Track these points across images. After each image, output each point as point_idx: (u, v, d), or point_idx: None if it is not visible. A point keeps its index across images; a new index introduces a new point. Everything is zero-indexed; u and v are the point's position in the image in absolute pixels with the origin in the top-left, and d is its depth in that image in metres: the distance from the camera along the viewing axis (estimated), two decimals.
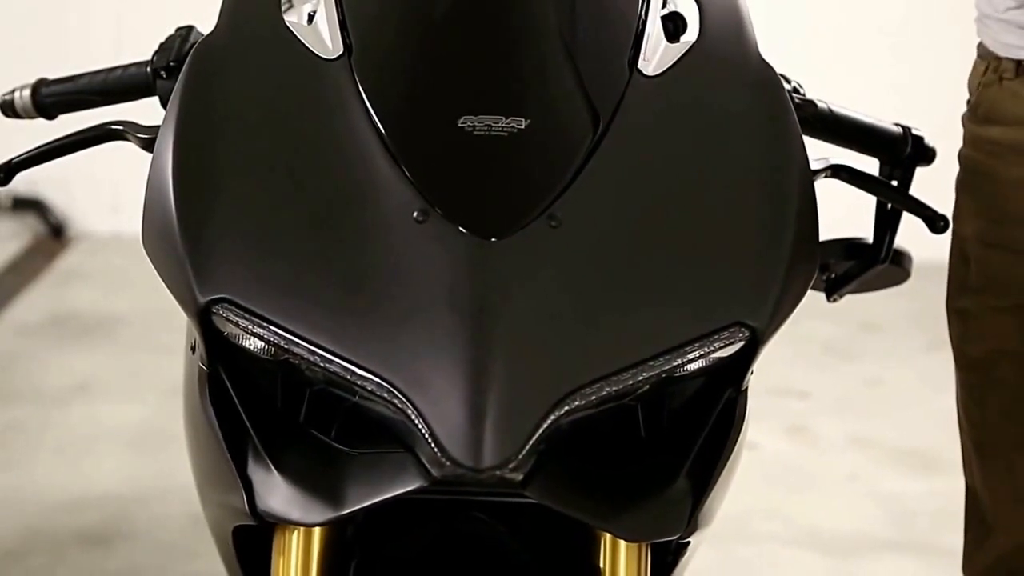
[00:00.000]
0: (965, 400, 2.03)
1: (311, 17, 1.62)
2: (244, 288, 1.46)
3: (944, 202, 1.87)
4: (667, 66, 1.61)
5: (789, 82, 1.77)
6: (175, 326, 1.95)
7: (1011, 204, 1.92)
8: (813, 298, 1.66)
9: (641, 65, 1.60)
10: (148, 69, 1.77)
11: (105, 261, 4.66)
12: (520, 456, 1.40)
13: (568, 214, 1.49)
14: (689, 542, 1.57)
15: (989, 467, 2.00)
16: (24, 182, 2.02)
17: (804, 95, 1.80)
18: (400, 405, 1.42)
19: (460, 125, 1.51)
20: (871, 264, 1.86)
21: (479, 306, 1.44)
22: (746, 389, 1.54)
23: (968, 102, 2.00)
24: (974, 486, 2.03)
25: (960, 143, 1.99)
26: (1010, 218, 1.92)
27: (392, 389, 1.42)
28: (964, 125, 2.00)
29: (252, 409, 1.51)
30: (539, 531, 1.62)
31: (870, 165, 1.84)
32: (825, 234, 1.66)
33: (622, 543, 1.55)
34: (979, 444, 2.00)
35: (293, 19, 1.61)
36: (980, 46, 2.00)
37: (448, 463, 1.40)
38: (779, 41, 2.16)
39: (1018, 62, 1.92)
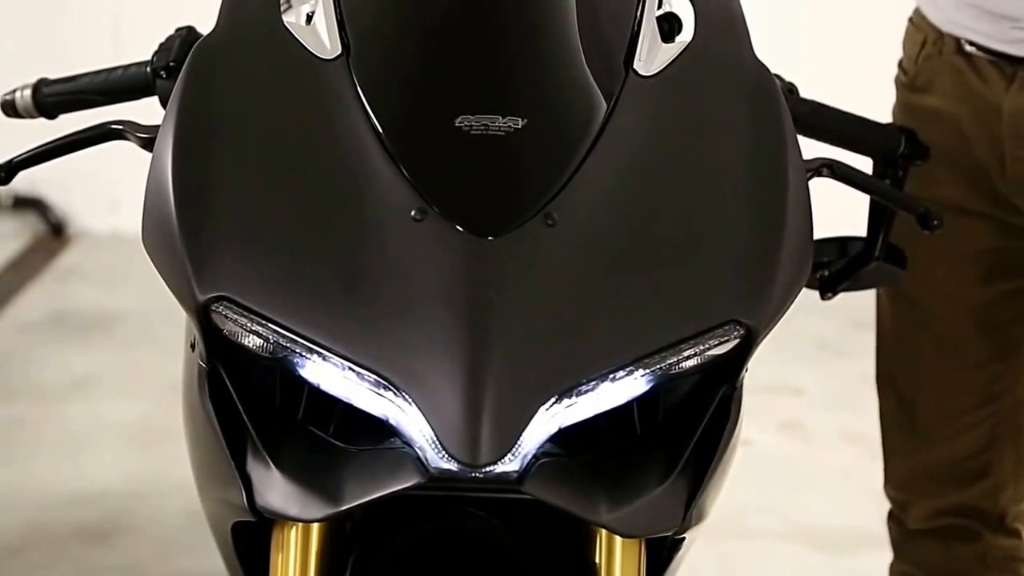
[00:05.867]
0: (899, 332, 2.15)
1: (309, 17, 1.62)
2: (243, 286, 1.47)
3: None
4: (662, 66, 1.61)
5: (783, 82, 1.78)
6: (174, 323, 1.95)
7: (937, 166, 1.96)
8: (806, 295, 1.67)
9: (637, 65, 1.61)
10: (148, 69, 1.77)
11: (105, 259, 4.66)
12: (516, 453, 1.42)
13: (564, 213, 1.50)
14: (684, 538, 1.58)
15: (924, 389, 2.14)
16: (24, 181, 2.03)
17: (798, 95, 1.82)
18: (398, 402, 1.43)
19: (457, 125, 1.52)
20: (865, 262, 1.86)
21: (476, 304, 1.45)
22: (741, 386, 1.55)
23: (901, 68, 2.08)
24: (906, 404, 2.17)
25: None
26: (936, 178, 1.98)
27: (390, 386, 1.43)
28: (898, 91, 2.08)
29: (251, 406, 1.52)
30: (535, 527, 1.63)
31: (865, 164, 1.85)
32: (820, 232, 1.67)
33: (618, 539, 1.56)
34: (913, 370, 2.15)
35: (292, 19, 1.62)
36: (917, 13, 2.07)
37: (445, 460, 1.42)
38: (773, 41, 2.17)
39: (958, 39, 1.97)
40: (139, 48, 1.91)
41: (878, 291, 2.15)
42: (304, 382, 1.49)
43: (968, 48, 1.97)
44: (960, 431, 2.13)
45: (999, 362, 2.11)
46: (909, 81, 2.06)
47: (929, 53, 2.03)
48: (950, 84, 2.00)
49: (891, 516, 2.26)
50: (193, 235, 1.49)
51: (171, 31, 1.79)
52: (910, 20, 2.09)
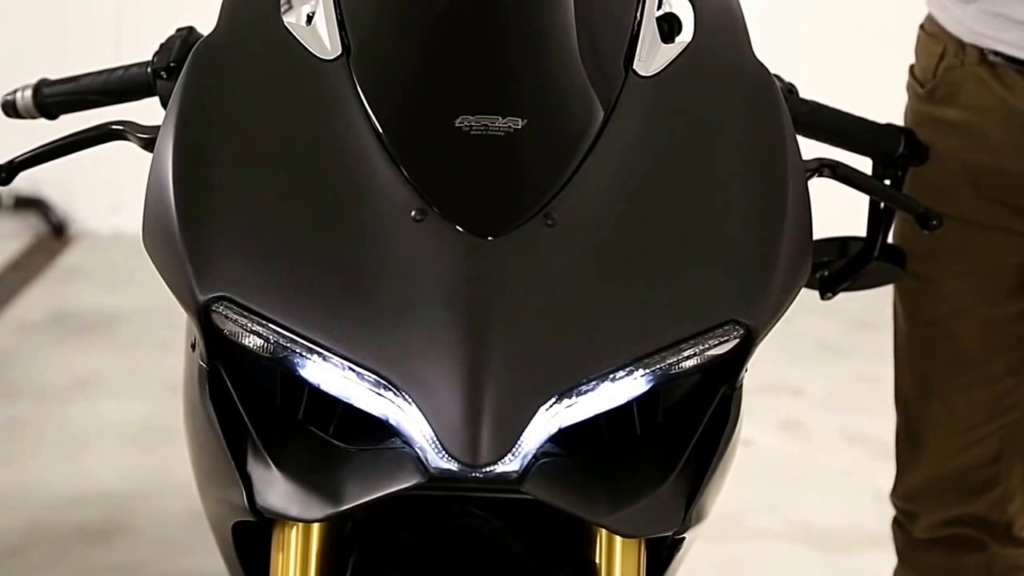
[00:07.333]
0: (913, 349, 2.14)
1: (310, 18, 1.62)
2: (243, 286, 1.47)
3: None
4: (662, 67, 1.62)
5: (783, 82, 1.78)
6: (175, 324, 1.96)
7: (958, 180, 1.96)
8: (806, 295, 1.67)
9: (636, 66, 1.61)
10: (149, 69, 1.77)
11: (106, 259, 4.67)
12: (516, 453, 1.42)
13: (564, 213, 1.50)
14: (684, 537, 1.58)
15: (934, 406, 2.14)
16: (26, 181, 2.04)
17: (798, 95, 1.82)
18: (398, 402, 1.44)
19: (457, 125, 1.52)
20: (864, 262, 1.87)
21: (476, 304, 1.45)
22: (741, 386, 1.55)
23: (916, 78, 2.05)
24: (916, 420, 2.18)
25: None
26: (956, 193, 1.97)
27: (390, 386, 1.44)
28: (913, 101, 2.05)
29: (251, 406, 1.52)
30: (536, 527, 1.63)
31: (865, 164, 1.85)
32: (820, 232, 1.67)
33: (618, 539, 1.56)
34: (924, 387, 2.15)
35: (292, 20, 1.62)
36: (931, 22, 2.03)
37: (445, 460, 1.42)
38: (773, 42, 2.17)
39: (982, 49, 1.96)
40: (141, 48, 1.91)
41: (895, 309, 2.14)
42: (304, 382, 1.49)
43: (992, 58, 1.95)
44: (969, 444, 2.13)
45: (1011, 377, 2.09)
46: (927, 93, 2.02)
47: (950, 64, 1.99)
48: (974, 95, 1.97)
49: (896, 523, 2.26)
50: (193, 235, 1.49)
51: (172, 31, 1.80)
52: (922, 28, 2.06)
